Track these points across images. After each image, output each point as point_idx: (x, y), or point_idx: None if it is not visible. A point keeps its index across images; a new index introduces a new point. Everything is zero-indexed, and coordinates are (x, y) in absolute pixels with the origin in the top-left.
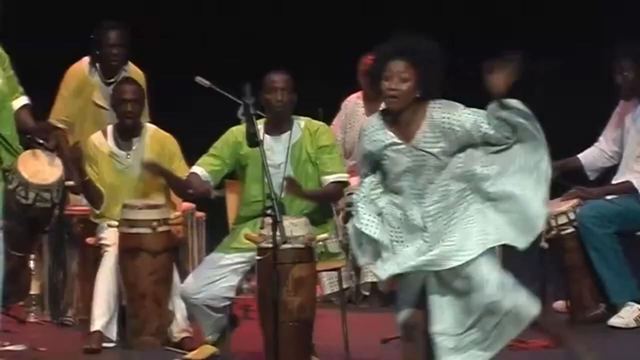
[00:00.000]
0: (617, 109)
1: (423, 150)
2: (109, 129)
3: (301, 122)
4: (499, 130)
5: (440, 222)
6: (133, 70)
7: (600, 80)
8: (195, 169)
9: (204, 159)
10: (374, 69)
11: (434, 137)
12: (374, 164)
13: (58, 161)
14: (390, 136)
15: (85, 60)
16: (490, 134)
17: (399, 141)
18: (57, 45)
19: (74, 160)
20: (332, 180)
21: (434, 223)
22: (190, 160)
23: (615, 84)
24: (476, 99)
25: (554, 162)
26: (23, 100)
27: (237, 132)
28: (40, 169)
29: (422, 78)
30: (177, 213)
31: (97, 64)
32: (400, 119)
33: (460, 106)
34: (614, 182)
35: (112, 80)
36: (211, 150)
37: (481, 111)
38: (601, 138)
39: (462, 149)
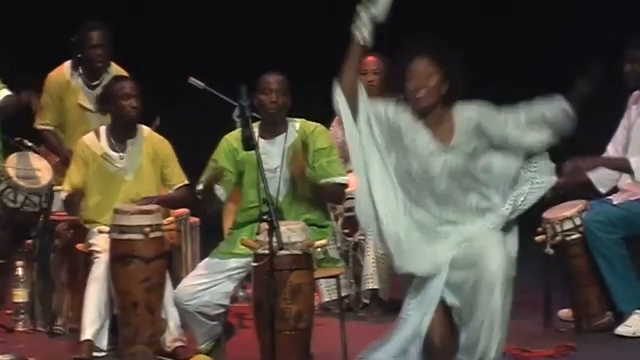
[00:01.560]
0: (625, 113)
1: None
2: (102, 129)
3: (296, 124)
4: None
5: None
6: (116, 71)
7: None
8: None
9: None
10: (395, 74)
11: (468, 138)
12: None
13: (47, 165)
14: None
15: (66, 64)
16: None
17: (436, 143)
18: (36, 50)
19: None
20: (332, 182)
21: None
22: (184, 163)
23: (623, 72)
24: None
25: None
26: (4, 92)
27: (230, 138)
28: (30, 172)
29: (446, 74)
30: (170, 218)
31: (80, 67)
32: (430, 122)
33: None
34: (620, 184)
35: (95, 83)
36: (211, 164)
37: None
38: (609, 147)
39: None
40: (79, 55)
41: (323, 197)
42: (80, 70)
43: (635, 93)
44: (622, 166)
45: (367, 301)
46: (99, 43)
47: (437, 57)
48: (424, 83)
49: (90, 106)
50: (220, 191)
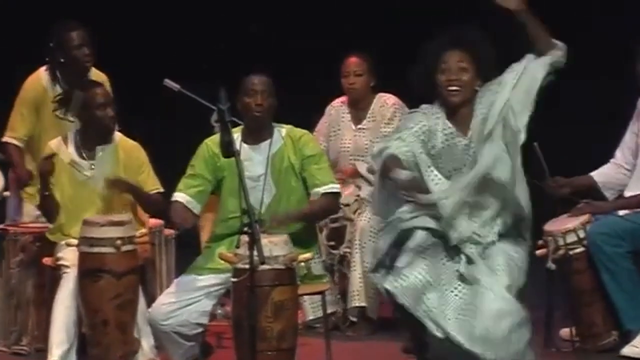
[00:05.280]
0: (635, 116)
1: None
2: (70, 135)
3: (282, 130)
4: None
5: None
6: (96, 74)
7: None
8: (178, 195)
9: (184, 181)
10: (423, 66)
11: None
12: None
13: None
14: (448, 126)
15: (42, 70)
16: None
17: (458, 134)
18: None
19: (43, 173)
20: (322, 192)
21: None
22: (158, 171)
23: (636, 71)
24: None
25: (563, 178)
26: None
27: (211, 143)
28: None
29: (480, 67)
30: (144, 230)
31: (58, 72)
32: (457, 115)
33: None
34: (626, 193)
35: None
36: (189, 170)
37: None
38: (617, 152)
39: None
40: (62, 60)
41: (319, 220)
42: (59, 77)
43: None
44: None
45: (354, 319)
46: (83, 42)
47: (469, 50)
48: (458, 76)
49: (67, 115)
50: (193, 203)
